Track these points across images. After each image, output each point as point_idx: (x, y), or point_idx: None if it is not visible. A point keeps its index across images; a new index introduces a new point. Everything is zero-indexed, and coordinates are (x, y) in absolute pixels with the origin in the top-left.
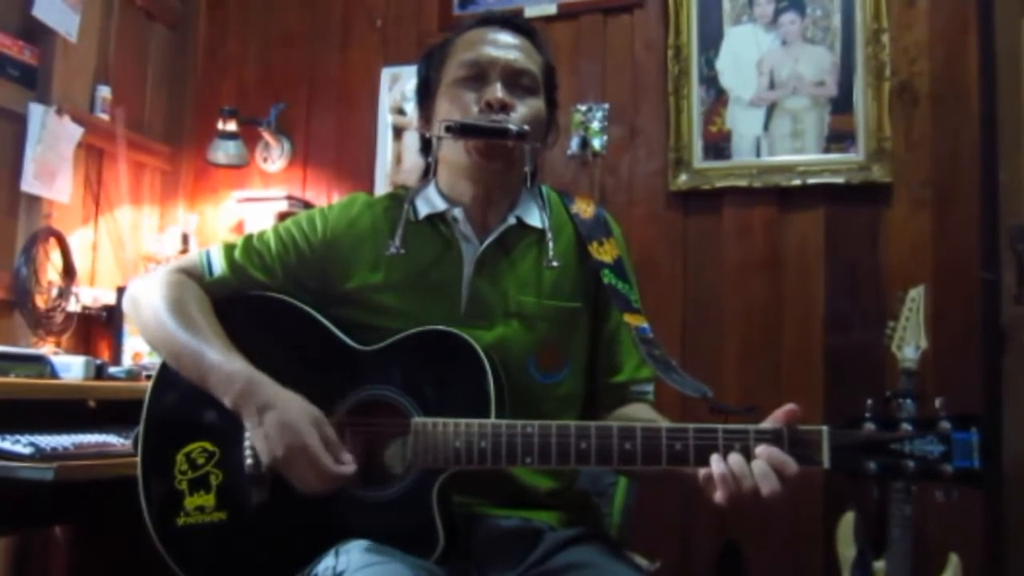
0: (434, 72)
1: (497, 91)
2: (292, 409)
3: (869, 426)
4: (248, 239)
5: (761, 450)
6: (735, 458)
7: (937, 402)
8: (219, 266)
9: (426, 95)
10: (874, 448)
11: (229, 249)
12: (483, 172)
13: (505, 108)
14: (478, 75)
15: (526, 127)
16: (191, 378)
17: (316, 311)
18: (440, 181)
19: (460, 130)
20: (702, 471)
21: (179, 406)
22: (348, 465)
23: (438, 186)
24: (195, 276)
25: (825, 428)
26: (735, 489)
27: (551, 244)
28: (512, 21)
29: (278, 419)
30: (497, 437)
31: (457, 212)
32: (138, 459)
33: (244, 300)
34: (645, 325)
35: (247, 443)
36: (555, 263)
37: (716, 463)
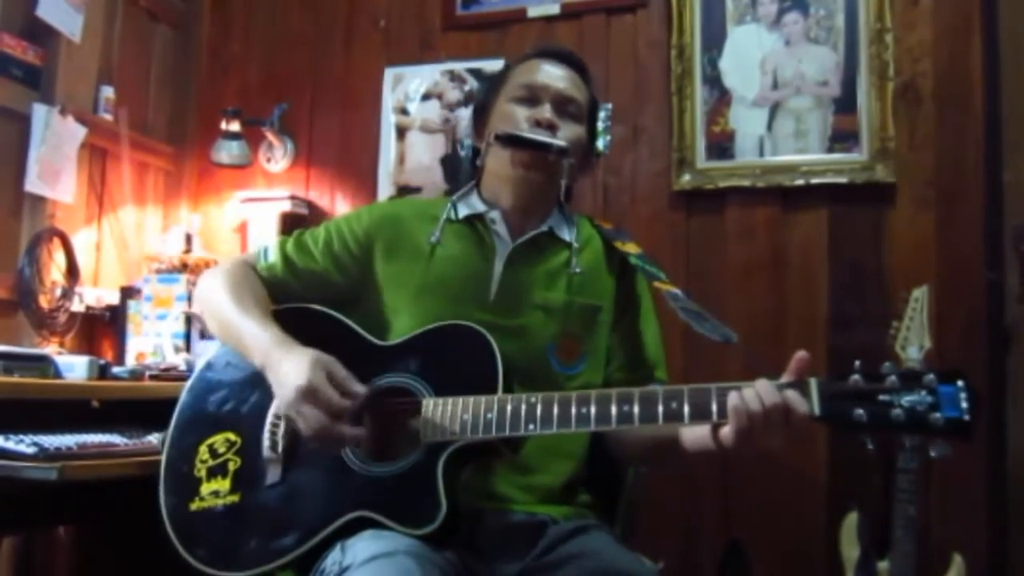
0: (492, 92)
1: (546, 111)
2: (303, 355)
3: (856, 377)
4: (301, 233)
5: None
6: (748, 391)
7: (920, 363)
8: (272, 256)
9: (482, 112)
10: (863, 397)
11: (284, 242)
12: (524, 182)
13: (552, 127)
14: (532, 97)
15: (566, 144)
16: (231, 344)
17: (344, 312)
18: (484, 188)
19: (508, 140)
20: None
21: (210, 403)
22: (356, 395)
23: (480, 192)
24: (251, 264)
25: (813, 379)
26: (746, 419)
27: (576, 256)
28: (567, 56)
29: (290, 365)
30: (503, 409)
31: (495, 215)
32: (164, 451)
33: (278, 312)
34: (676, 290)
35: (268, 426)
36: (578, 269)
37: (732, 397)
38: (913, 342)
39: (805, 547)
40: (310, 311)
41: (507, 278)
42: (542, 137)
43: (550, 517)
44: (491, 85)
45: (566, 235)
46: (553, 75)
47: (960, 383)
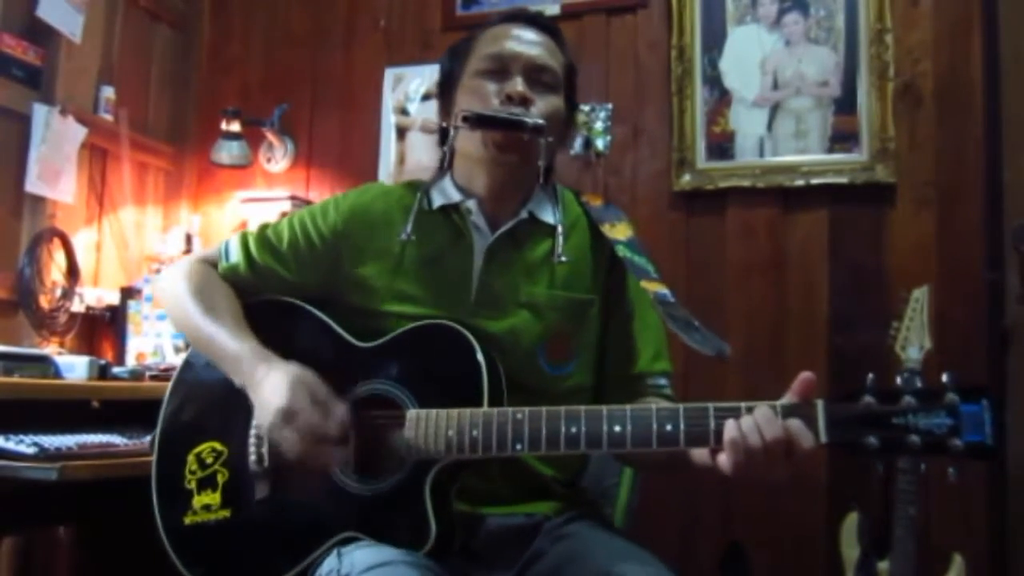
0: (457, 66)
1: (518, 85)
2: (282, 374)
3: (868, 399)
4: (263, 228)
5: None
6: (747, 421)
7: (944, 376)
8: (234, 255)
9: (448, 88)
10: (875, 422)
11: (245, 238)
12: (499, 164)
13: (525, 102)
14: (500, 69)
15: (542, 121)
16: (209, 359)
17: (322, 307)
18: (456, 173)
19: (477, 121)
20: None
21: (193, 408)
22: (338, 417)
23: (453, 178)
24: (213, 264)
25: (820, 401)
26: (743, 454)
27: (561, 239)
28: (536, 19)
29: (271, 385)
30: (488, 425)
31: (471, 204)
32: (153, 461)
33: (254, 305)
34: (664, 290)
35: (251, 439)
36: (563, 257)
37: (729, 428)
38: (913, 342)
39: (805, 547)
40: (285, 305)
41: (488, 275)
42: (514, 115)
43: (544, 515)
44: (456, 58)
45: (550, 217)
46: (523, 41)
47: (985, 402)
